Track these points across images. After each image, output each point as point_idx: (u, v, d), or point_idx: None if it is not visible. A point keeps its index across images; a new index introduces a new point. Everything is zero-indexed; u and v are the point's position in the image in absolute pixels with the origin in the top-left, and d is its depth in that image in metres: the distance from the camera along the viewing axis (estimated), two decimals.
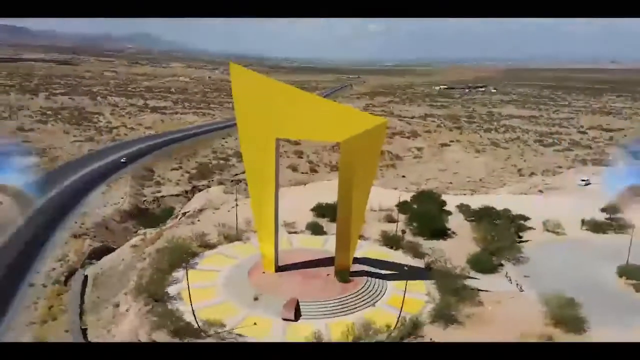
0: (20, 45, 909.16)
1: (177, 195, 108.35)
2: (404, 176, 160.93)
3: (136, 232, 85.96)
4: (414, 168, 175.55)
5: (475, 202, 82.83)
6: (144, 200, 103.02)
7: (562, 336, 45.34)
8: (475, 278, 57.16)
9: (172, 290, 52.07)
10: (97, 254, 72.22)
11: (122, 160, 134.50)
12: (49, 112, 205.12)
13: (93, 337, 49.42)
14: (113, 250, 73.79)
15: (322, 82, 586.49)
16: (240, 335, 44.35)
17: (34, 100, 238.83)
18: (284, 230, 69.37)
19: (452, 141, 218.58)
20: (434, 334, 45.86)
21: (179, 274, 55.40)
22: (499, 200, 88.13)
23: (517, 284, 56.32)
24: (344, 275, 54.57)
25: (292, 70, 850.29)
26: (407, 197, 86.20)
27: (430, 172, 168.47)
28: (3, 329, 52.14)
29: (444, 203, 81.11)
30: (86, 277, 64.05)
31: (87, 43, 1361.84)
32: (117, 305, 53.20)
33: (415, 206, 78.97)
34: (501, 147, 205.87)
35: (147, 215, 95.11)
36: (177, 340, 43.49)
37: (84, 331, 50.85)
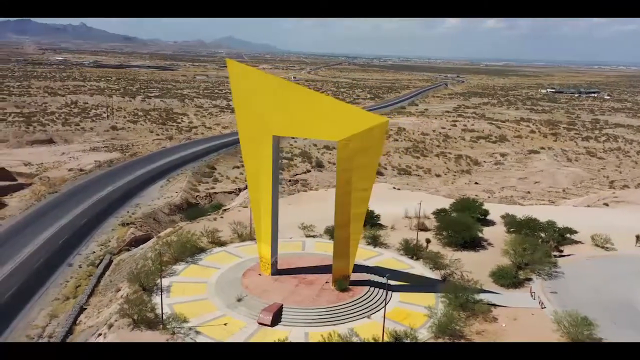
0: (132, 53, 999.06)
1: (229, 192, 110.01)
2: (477, 183, 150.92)
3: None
4: (491, 175, 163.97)
5: (527, 213, 74.44)
6: (197, 196, 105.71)
7: None
8: (495, 292, 52.35)
9: (164, 282, 51.73)
10: (136, 242, 75.46)
11: None
12: (140, 113, 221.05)
13: (84, 318, 52.33)
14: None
15: (414, 81, 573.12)
16: (198, 332, 43.08)
17: (131, 102, 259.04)
18: (301, 233, 67.25)
19: (542, 148, 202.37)
20: None
21: (179, 266, 56.15)
22: (556, 212, 79.26)
23: (539, 301, 51.00)
24: (342, 284, 51.18)
25: (384, 69, 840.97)
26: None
27: (508, 180, 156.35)
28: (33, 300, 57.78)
29: (485, 212, 73.96)
30: (111, 261, 67.87)
31: (186, 49, 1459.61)
32: (118, 290, 55.44)
33: (453, 214, 72.69)
34: (597, 157, 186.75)
35: (194, 210, 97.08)
36: (131, 328, 43.96)
37: (81, 310, 54.08)
